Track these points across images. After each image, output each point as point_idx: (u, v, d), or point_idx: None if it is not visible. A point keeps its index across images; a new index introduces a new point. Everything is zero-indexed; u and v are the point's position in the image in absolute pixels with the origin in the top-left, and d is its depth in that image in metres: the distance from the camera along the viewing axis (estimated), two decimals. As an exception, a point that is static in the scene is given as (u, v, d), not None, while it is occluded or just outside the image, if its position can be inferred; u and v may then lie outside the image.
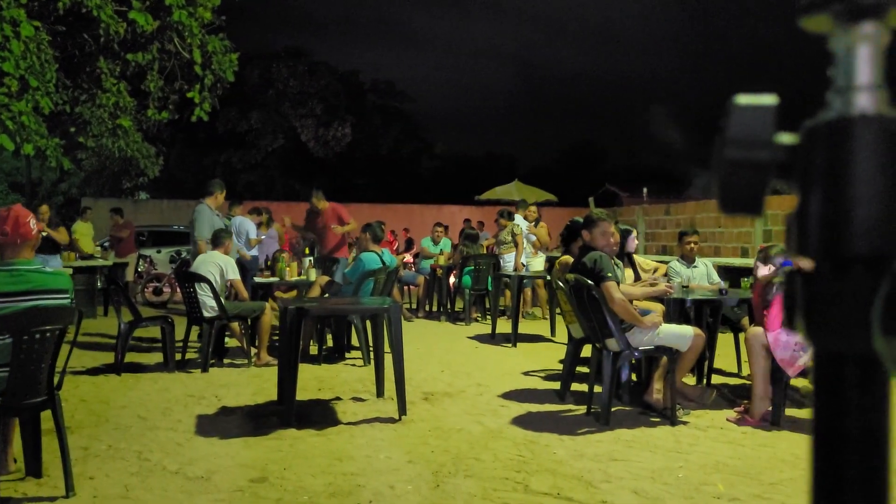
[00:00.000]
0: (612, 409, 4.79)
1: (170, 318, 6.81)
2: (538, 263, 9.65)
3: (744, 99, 0.48)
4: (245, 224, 8.88)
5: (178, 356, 6.71)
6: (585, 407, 5.07)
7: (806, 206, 0.47)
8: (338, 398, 5.41)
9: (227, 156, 25.79)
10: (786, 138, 0.47)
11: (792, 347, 4.63)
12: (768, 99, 0.48)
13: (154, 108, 11.23)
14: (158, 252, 14.53)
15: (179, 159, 23.96)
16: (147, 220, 16.70)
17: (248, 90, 24.12)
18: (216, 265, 6.69)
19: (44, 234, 7.21)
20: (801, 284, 0.47)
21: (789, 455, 4.13)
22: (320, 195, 8.70)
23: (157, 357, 6.87)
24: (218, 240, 6.98)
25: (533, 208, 10.36)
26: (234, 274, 6.75)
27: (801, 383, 5.68)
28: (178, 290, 7.70)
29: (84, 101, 10.71)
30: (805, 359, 4.63)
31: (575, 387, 5.54)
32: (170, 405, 5.17)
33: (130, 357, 6.72)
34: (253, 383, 5.91)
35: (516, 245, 9.57)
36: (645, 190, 17.24)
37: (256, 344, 6.83)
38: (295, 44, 28.41)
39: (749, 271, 6.86)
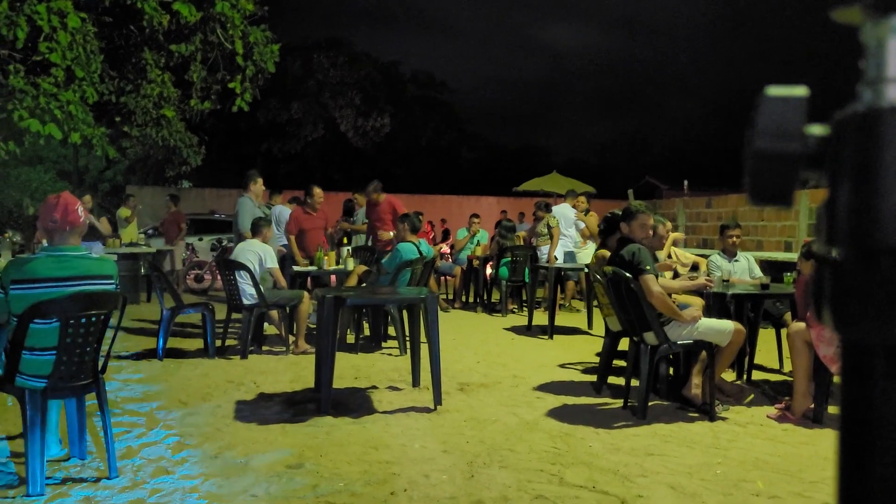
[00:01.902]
0: (649, 404, 4.74)
1: (210, 305, 6.92)
2: (587, 255, 9.54)
3: (775, 90, 0.48)
4: (285, 213, 8.98)
5: (218, 343, 6.83)
6: (622, 400, 5.02)
7: (835, 198, 0.46)
8: (374, 387, 5.45)
9: (267, 146, 26.07)
10: (816, 129, 0.47)
11: (836, 344, 4.52)
12: (799, 90, 0.47)
13: (197, 99, 11.41)
14: (200, 240, 14.77)
15: (221, 149, 24.28)
16: (189, 208, 16.99)
17: (288, 81, 24.33)
18: (255, 253, 6.77)
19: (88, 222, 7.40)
20: (830, 275, 0.46)
21: (831, 453, 4.04)
22: (378, 188, 8.75)
23: (197, 343, 7.00)
24: (257, 228, 7.06)
25: (582, 198, 10.27)
26: (272, 263, 6.82)
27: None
28: (219, 277, 7.82)
29: (129, 91, 10.93)
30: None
31: (611, 380, 5.50)
32: (210, 390, 5.26)
33: (172, 343, 6.86)
34: (290, 371, 5.99)
35: (552, 237, 9.51)
36: (686, 182, 16.98)
37: (294, 332, 6.91)
38: (335, 34, 28.48)
39: (792, 266, 6.73)
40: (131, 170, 23.35)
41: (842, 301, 0.46)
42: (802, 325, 4.71)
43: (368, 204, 8.99)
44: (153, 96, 10.89)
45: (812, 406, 4.65)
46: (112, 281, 3.60)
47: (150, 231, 13.70)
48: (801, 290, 5.02)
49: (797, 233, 10.81)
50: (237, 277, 6.66)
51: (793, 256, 8.40)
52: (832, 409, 4.77)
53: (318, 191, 8.40)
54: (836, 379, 4.82)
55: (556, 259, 9.26)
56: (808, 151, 0.46)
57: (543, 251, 9.58)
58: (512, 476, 3.59)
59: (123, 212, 12.01)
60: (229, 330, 7.18)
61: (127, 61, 11.11)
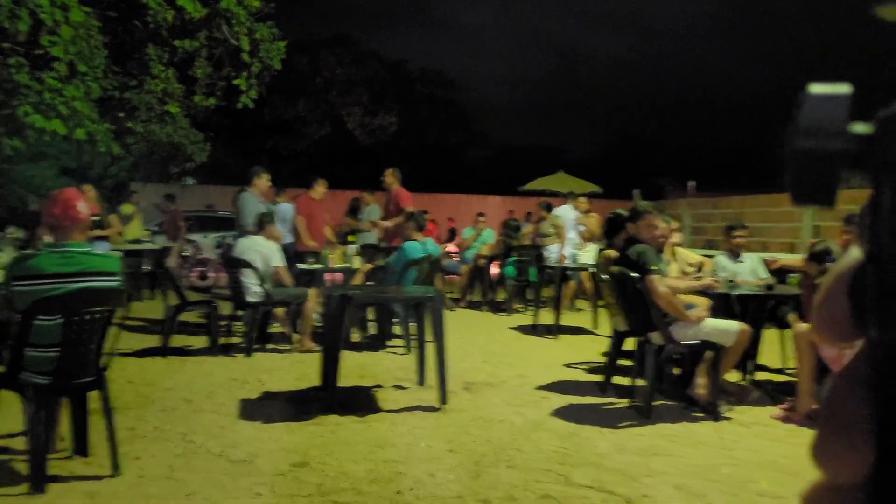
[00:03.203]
0: (655, 403, 4.72)
1: (215, 302, 6.91)
2: (587, 256, 9.53)
3: (817, 87, 0.46)
4: (290, 211, 8.97)
5: (222, 340, 6.83)
6: (627, 400, 5.01)
7: (879, 198, 0.44)
8: (379, 386, 5.44)
9: (272, 143, 26.10)
10: (859, 128, 0.45)
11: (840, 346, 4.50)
12: (842, 88, 0.46)
13: (201, 95, 11.41)
14: (205, 237, 14.78)
15: (226, 146, 24.29)
16: (194, 205, 17.00)
17: (295, 78, 24.33)
18: (258, 252, 6.72)
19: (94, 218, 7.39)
20: (873, 276, 0.44)
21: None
22: (392, 173, 8.79)
23: (201, 341, 6.99)
24: (261, 224, 7.00)
25: (583, 199, 10.26)
26: (277, 261, 6.79)
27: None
28: (224, 274, 7.83)
29: (133, 86, 10.93)
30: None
31: (617, 380, 5.47)
32: (214, 388, 5.25)
33: (176, 340, 6.85)
34: (296, 369, 5.98)
35: (559, 237, 9.49)
36: (691, 183, 16.94)
37: (299, 330, 6.90)
38: (342, 32, 28.48)
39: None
40: (135, 166, 23.38)
41: (885, 302, 0.44)
42: (807, 326, 4.68)
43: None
44: (157, 92, 10.90)
45: (816, 406, 4.63)
46: (116, 277, 3.59)
47: (154, 228, 13.72)
48: (808, 292, 4.99)
49: (801, 234, 10.77)
50: (242, 275, 6.65)
51: (797, 258, 8.37)
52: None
53: (322, 181, 8.70)
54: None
55: (566, 258, 9.25)
56: (852, 150, 0.45)
57: (550, 250, 9.56)
58: (518, 475, 3.58)
59: (127, 209, 12.02)
60: (233, 328, 7.17)
61: (131, 57, 11.11)
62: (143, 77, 10.89)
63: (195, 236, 14.50)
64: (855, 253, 0.46)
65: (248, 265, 6.60)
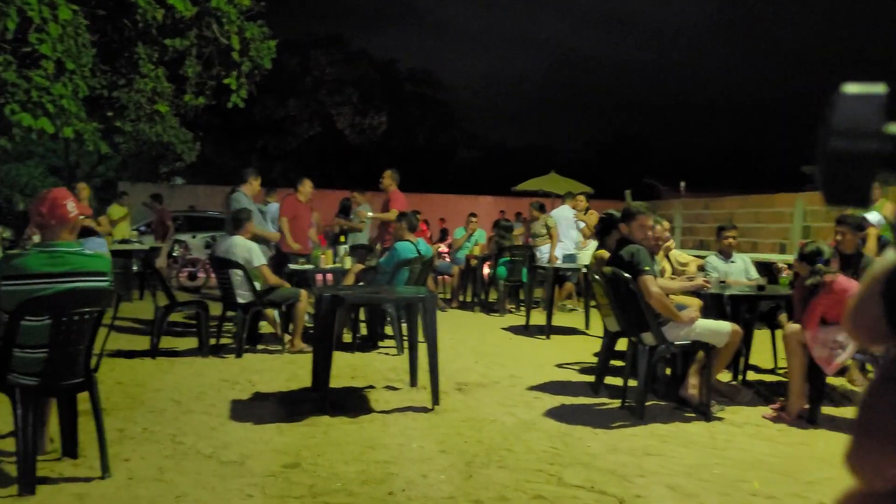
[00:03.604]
0: (647, 404, 4.73)
1: (204, 302, 6.87)
2: (587, 256, 9.52)
3: (852, 87, 0.45)
4: (280, 211, 8.92)
5: (212, 341, 6.79)
6: (619, 401, 5.01)
7: None
8: (371, 386, 5.42)
9: (263, 142, 25.99)
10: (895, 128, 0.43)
11: (830, 345, 4.52)
12: (877, 87, 0.44)
13: (191, 94, 11.33)
14: (193, 237, 14.71)
15: (215, 145, 24.17)
16: (183, 205, 16.92)
17: (285, 77, 24.23)
18: (238, 251, 6.60)
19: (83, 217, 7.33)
20: None
21: (827, 454, 4.04)
22: (390, 175, 8.76)
23: (191, 342, 6.95)
24: (239, 223, 6.81)
25: (581, 198, 10.28)
26: (259, 260, 6.65)
27: (839, 381, 5.56)
28: (213, 275, 7.77)
29: (122, 85, 10.85)
30: (843, 357, 4.52)
31: (609, 380, 5.48)
32: (204, 389, 5.22)
33: (165, 341, 6.81)
34: (286, 370, 5.95)
35: (551, 237, 9.49)
36: (683, 184, 17.00)
37: (290, 330, 6.87)
38: (333, 32, 28.40)
39: (788, 267, 6.72)
40: (124, 165, 23.24)
41: None
42: (798, 326, 4.70)
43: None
44: (146, 91, 10.81)
45: (807, 407, 4.65)
46: (106, 278, 3.55)
47: (142, 228, 13.64)
48: (799, 292, 5.01)
49: (791, 235, 10.82)
50: (231, 275, 6.61)
51: (787, 258, 8.40)
52: (826, 410, 4.76)
53: (308, 181, 8.47)
54: (829, 380, 4.83)
55: (558, 259, 9.25)
56: (887, 151, 0.43)
57: (542, 251, 9.57)
58: (510, 476, 3.57)
59: (116, 210, 11.95)
60: (224, 328, 7.13)
61: (120, 55, 11.02)
62: (132, 76, 10.81)
63: (184, 236, 14.43)
64: (890, 255, 0.45)
65: (237, 265, 6.55)
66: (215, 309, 7.14)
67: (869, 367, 5.26)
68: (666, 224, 5.85)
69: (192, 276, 12.64)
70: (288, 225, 8.15)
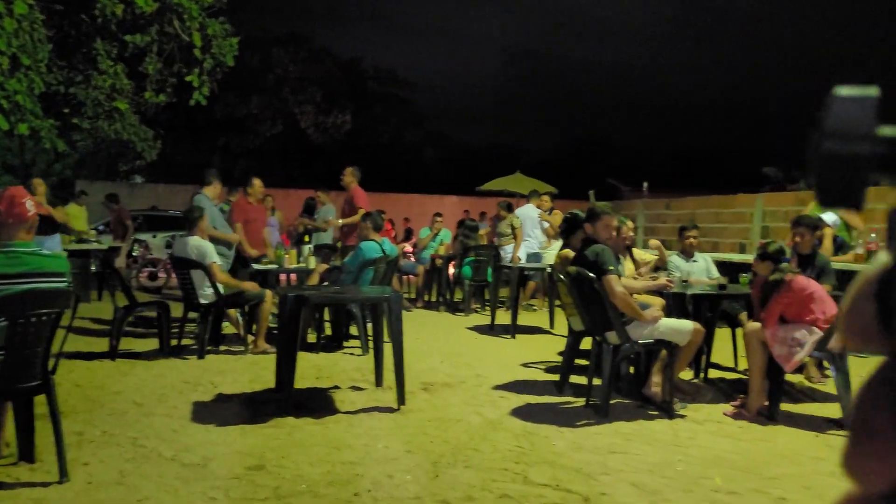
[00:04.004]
0: (611, 402, 4.77)
1: (165, 303, 6.76)
2: (552, 256, 9.58)
3: (844, 90, 0.45)
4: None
5: (173, 342, 6.68)
6: (584, 399, 5.05)
7: None
8: (336, 387, 5.39)
9: (224, 141, 25.65)
10: (888, 131, 0.44)
11: (789, 343, 4.62)
12: (870, 90, 0.45)
13: (152, 91, 11.13)
14: (154, 237, 14.46)
15: (176, 143, 23.78)
16: (143, 204, 16.62)
17: (247, 75, 23.93)
18: (193, 251, 6.47)
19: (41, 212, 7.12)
20: None
21: (787, 450, 4.13)
22: (351, 172, 8.66)
23: (152, 343, 6.83)
24: (192, 222, 6.66)
25: (546, 197, 10.33)
26: (211, 258, 6.49)
27: (796, 378, 5.68)
28: (174, 275, 7.63)
29: (79, 82, 10.62)
30: (801, 354, 4.62)
31: (574, 379, 5.52)
32: (165, 391, 5.13)
33: (125, 343, 6.68)
34: (250, 371, 5.88)
35: (515, 237, 9.54)
36: (645, 184, 17.25)
37: (254, 331, 6.79)
38: (295, 29, 28.14)
39: (748, 267, 6.85)
40: (81, 164, 22.73)
41: None
42: (758, 325, 4.79)
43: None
44: (105, 88, 10.59)
45: (766, 403, 4.74)
46: (64, 278, 3.47)
47: (100, 227, 13.36)
48: (757, 291, 5.10)
49: (751, 235, 11.03)
50: (192, 275, 6.50)
51: (748, 257, 8.56)
52: (785, 407, 4.86)
53: (257, 181, 8.22)
54: (787, 377, 4.93)
55: (520, 259, 9.30)
56: (880, 153, 0.44)
57: (507, 251, 9.61)
58: (476, 476, 3.57)
59: (73, 209, 11.68)
60: (185, 329, 7.02)
61: (77, 51, 10.79)
62: (89, 72, 10.58)
63: (144, 236, 14.18)
64: (882, 257, 0.45)
65: (198, 265, 6.45)
66: (177, 310, 7.02)
67: (826, 364, 5.38)
68: (630, 224, 5.92)
69: (153, 277, 12.43)
70: (241, 229, 7.89)
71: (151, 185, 19.55)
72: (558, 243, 9.57)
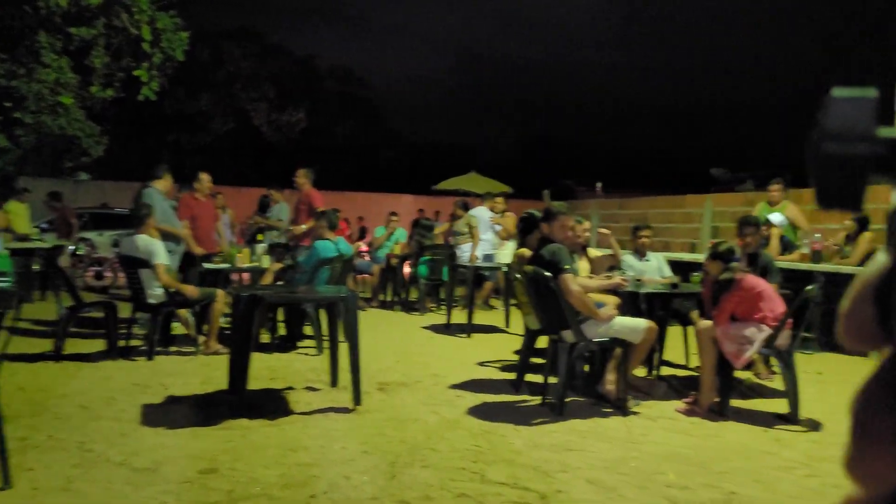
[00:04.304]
0: (567, 400, 4.81)
1: (113, 303, 6.58)
2: (505, 255, 9.62)
3: (842, 91, 0.45)
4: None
5: (121, 343, 6.51)
6: (540, 397, 5.08)
7: None
8: (291, 388, 5.31)
9: (174, 137, 25.14)
10: (887, 131, 0.44)
11: (738, 341, 4.72)
12: (868, 91, 0.45)
13: (98, 86, 10.85)
14: (100, 235, 14.09)
15: (124, 140, 23.21)
16: (89, 201, 16.17)
17: (198, 70, 23.50)
18: (140, 250, 6.31)
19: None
20: None
21: (737, 445, 4.21)
22: (304, 174, 8.54)
23: (99, 344, 6.64)
24: (139, 220, 6.47)
25: (500, 200, 10.37)
26: (158, 258, 6.31)
27: (745, 375, 5.81)
28: (121, 274, 7.44)
29: (21, 75, 10.28)
30: (750, 352, 4.73)
31: (529, 378, 5.55)
32: (113, 394, 4.99)
33: (71, 344, 6.48)
34: (201, 372, 5.76)
35: (473, 236, 9.55)
36: (599, 185, 17.49)
37: (205, 331, 6.66)
38: (247, 24, 27.66)
39: (699, 266, 6.99)
40: (24, 160, 22.01)
41: None
42: (709, 322, 4.88)
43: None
44: (49, 82, 10.30)
45: (717, 400, 4.83)
46: (5, 278, 3.35)
47: (43, 226, 12.96)
48: (708, 290, 5.20)
49: (701, 235, 11.26)
50: (140, 274, 6.34)
51: (698, 257, 8.73)
52: (734, 403, 4.97)
53: (205, 177, 8.02)
54: (737, 373, 5.05)
55: (478, 258, 9.32)
56: (879, 154, 0.44)
57: (463, 250, 9.61)
58: (434, 475, 3.56)
59: (14, 206, 11.29)
60: (134, 330, 6.84)
61: (19, 43, 10.44)
62: (32, 65, 10.26)
63: (90, 234, 13.81)
64: (881, 258, 0.45)
65: (145, 264, 6.29)
66: (125, 310, 6.85)
67: (773, 360, 5.52)
68: (587, 224, 5.98)
69: (99, 276, 12.12)
70: (189, 227, 7.69)
71: (98, 182, 19.00)
72: (510, 244, 9.66)
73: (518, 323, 7.06)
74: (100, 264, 12.30)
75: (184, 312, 6.83)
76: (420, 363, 6.34)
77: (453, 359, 6.58)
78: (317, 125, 27.36)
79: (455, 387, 5.46)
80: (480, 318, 9.07)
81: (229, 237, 9.71)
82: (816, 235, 7.65)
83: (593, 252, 6.24)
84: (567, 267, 4.71)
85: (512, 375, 5.71)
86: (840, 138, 0.44)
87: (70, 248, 12.22)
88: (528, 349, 5.49)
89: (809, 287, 4.94)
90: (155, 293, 6.37)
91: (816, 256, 7.45)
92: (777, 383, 5.52)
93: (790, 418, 4.68)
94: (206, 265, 7.55)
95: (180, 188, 9.41)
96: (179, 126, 25.09)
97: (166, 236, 6.96)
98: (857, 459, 0.42)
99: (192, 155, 25.14)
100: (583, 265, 5.61)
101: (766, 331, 4.73)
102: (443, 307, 9.56)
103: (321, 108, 27.72)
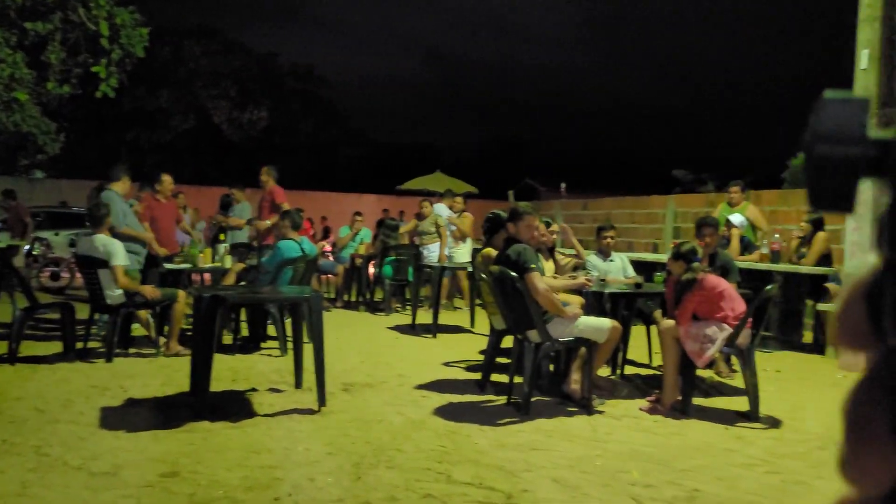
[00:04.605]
0: (532, 400, 4.83)
1: (70, 304, 6.43)
2: (462, 254, 9.64)
3: (833, 93, 0.45)
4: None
5: (79, 345, 6.35)
6: (506, 397, 5.09)
7: None
8: (254, 389, 5.24)
9: (133, 135, 24.68)
10: (880, 134, 0.44)
11: (701, 340, 4.78)
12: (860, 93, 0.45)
13: (54, 82, 10.59)
14: (56, 234, 13.76)
15: (81, 137, 22.72)
16: (45, 200, 15.78)
17: (157, 67, 23.12)
18: (98, 250, 6.17)
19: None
20: (891, 285, 0.43)
21: (699, 442, 4.27)
22: (267, 171, 8.54)
23: (55, 346, 6.47)
24: (97, 220, 6.30)
25: (459, 199, 10.37)
26: (117, 259, 6.16)
27: (707, 374, 5.91)
28: (78, 275, 7.26)
29: (-26, 70, 10.00)
30: (712, 351, 4.80)
31: (495, 377, 5.56)
32: (70, 397, 4.87)
33: (26, 346, 6.31)
34: (162, 374, 5.66)
35: (440, 236, 9.55)
36: (563, 185, 17.64)
37: (166, 332, 6.54)
38: (207, 22, 27.37)
39: (662, 266, 7.08)
40: (-23, 157, 21.43)
41: None
42: (672, 322, 4.94)
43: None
44: (3, 77, 10.02)
45: (680, 398, 4.89)
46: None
47: (-1, 224, 12.61)
48: (671, 289, 5.27)
49: (664, 235, 11.41)
50: (99, 274, 6.19)
51: (661, 257, 8.85)
52: (696, 401, 5.04)
53: (166, 178, 7.93)
54: (699, 372, 5.12)
55: (447, 258, 9.34)
56: (871, 156, 0.44)
57: (430, 249, 9.60)
58: (399, 476, 3.54)
59: None
60: (92, 331, 6.69)
61: (-28, 38, 10.15)
62: (-15, 60, 9.97)
63: (46, 234, 13.47)
64: (871, 259, 0.45)
65: (104, 265, 6.14)
66: (82, 311, 6.69)
67: (734, 359, 5.61)
68: (555, 226, 6.02)
69: (55, 276, 11.82)
70: (149, 228, 7.58)
71: (54, 180, 18.56)
72: (466, 244, 9.70)
73: (483, 323, 7.08)
74: (56, 264, 12.00)
75: (144, 313, 6.70)
76: (385, 364, 6.31)
77: (418, 359, 6.57)
78: (278, 123, 27.13)
79: (420, 387, 5.45)
80: (446, 318, 9.06)
81: (185, 238, 9.56)
82: (775, 236, 7.81)
83: (562, 257, 6.27)
84: (533, 266, 4.73)
85: (477, 375, 5.71)
86: (832, 140, 0.44)
87: (25, 247, 11.93)
88: (493, 349, 5.50)
89: (769, 287, 5.04)
90: (114, 294, 6.23)
91: (775, 256, 7.61)
92: (738, 381, 5.61)
93: (751, 416, 4.76)
94: (168, 265, 7.42)
95: (140, 187, 9.25)
96: (138, 124, 24.65)
97: (129, 239, 6.83)
98: (850, 460, 0.42)
99: (151, 153, 24.72)
100: (548, 266, 5.64)
101: (727, 330, 4.80)
102: (408, 307, 9.53)
103: (283, 107, 27.51)
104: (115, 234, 6.49)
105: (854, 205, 0.44)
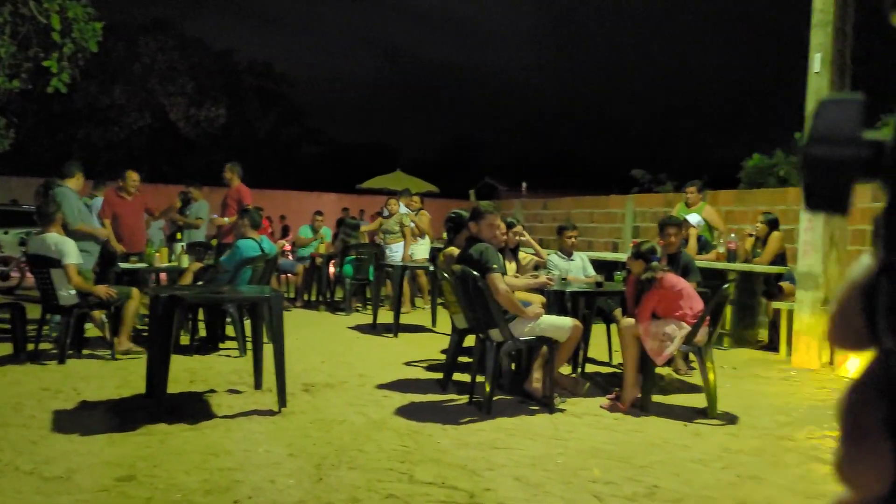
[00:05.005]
0: (494, 399, 4.84)
1: (20, 304, 6.25)
2: (420, 251, 9.64)
3: (830, 96, 0.45)
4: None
5: (30, 346, 6.18)
6: (467, 396, 5.09)
7: (894, 206, 0.44)
8: (212, 391, 5.16)
9: (85, 132, 24.07)
10: (874, 135, 0.44)
11: (660, 338, 4.85)
12: (856, 95, 0.45)
13: (4, 76, 10.26)
14: (6, 233, 13.37)
15: (32, 133, 22.08)
16: (-5, 197, 15.32)
17: (111, 63, 22.60)
18: (50, 249, 6.01)
19: None
20: (886, 287, 0.43)
21: (658, 439, 4.33)
22: (231, 168, 8.47)
23: (5, 348, 6.29)
24: (47, 217, 6.13)
25: (416, 198, 10.37)
26: (69, 258, 6.01)
27: (666, 371, 6.00)
28: (28, 274, 7.07)
29: (-81, 63, 9.64)
30: (671, 349, 4.87)
31: (457, 377, 5.56)
32: (21, 400, 4.74)
33: (-26, 347, 6.12)
34: (117, 375, 5.53)
35: (404, 235, 9.53)
36: (524, 184, 17.73)
37: (118, 331, 6.39)
38: (162, 16, 26.71)
39: (622, 265, 7.16)
40: (-80, 153, 20.66)
41: None
42: (632, 320, 5.00)
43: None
44: (-51, 71, 9.68)
45: (639, 395, 4.95)
46: None
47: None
48: (631, 288, 5.33)
49: (623, 234, 11.54)
50: (51, 274, 6.02)
51: (620, 256, 8.95)
52: (656, 398, 5.11)
53: (132, 175, 7.83)
54: (658, 369, 5.20)
55: (411, 257, 9.33)
56: (866, 157, 0.44)
57: (393, 249, 9.56)
58: (361, 476, 3.52)
59: None
60: (44, 332, 6.51)
61: (-84, 30, 9.79)
62: (-70, 52, 9.62)
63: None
64: (866, 260, 0.45)
65: (56, 264, 5.98)
66: (34, 311, 6.51)
67: (692, 356, 5.70)
68: (519, 228, 6.04)
69: (4, 276, 11.50)
70: (110, 226, 7.50)
71: (3, 177, 18.01)
72: (424, 243, 9.71)
73: (444, 322, 7.07)
74: (5, 264, 11.68)
75: (98, 314, 6.54)
76: (346, 364, 6.26)
77: (380, 359, 6.54)
78: (236, 121, 26.74)
79: (382, 387, 5.42)
80: (407, 317, 9.05)
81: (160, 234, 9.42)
82: (731, 235, 7.96)
83: (524, 255, 6.30)
84: (495, 266, 4.74)
85: (439, 375, 5.70)
86: (827, 141, 0.45)
87: None
88: (455, 348, 5.50)
89: (726, 285, 5.13)
90: (66, 294, 6.07)
91: (731, 256, 7.75)
92: (695, 379, 5.71)
93: (708, 412, 4.85)
94: (123, 265, 7.26)
95: (95, 185, 9.04)
96: (91, 120, 24.04)
97: (85, 236, 6.67)
98: (846, 462, 0.42)
99: (105, 150, 24.14)
100: (510, 265, 5.66)
101: (686, 328, 4.88)
102: (369, 307, 9.49)
103: (241, 104, 27.12)
104: (68, 232, 6.33)
105: (849, 206, 0.44)
